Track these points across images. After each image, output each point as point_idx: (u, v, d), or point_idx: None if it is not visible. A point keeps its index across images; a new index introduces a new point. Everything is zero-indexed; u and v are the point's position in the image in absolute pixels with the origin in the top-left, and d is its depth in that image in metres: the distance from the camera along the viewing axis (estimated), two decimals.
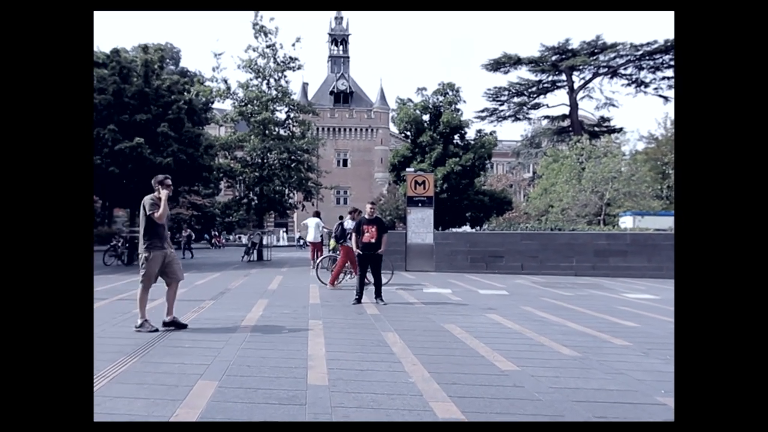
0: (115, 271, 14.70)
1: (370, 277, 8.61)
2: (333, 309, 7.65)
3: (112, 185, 16.16)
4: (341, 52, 65.20)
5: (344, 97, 63.26)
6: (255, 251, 20.01)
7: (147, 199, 5.74)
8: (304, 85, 56.30)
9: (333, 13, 65.27)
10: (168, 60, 50.69)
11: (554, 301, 9.00)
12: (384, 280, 8.92)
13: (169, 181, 5.89)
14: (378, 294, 8.31)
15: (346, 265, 10.28)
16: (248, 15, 20.15)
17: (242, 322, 6.32)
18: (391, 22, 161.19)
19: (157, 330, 5.63)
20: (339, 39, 65.00)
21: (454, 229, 27.90)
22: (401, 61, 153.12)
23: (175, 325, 5.83)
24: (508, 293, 10.12)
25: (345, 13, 65.08)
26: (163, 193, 5.71)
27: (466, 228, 27.31)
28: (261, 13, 19.02)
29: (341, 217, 11.53)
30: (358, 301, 8.16)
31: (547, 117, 48.74)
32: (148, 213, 5.65)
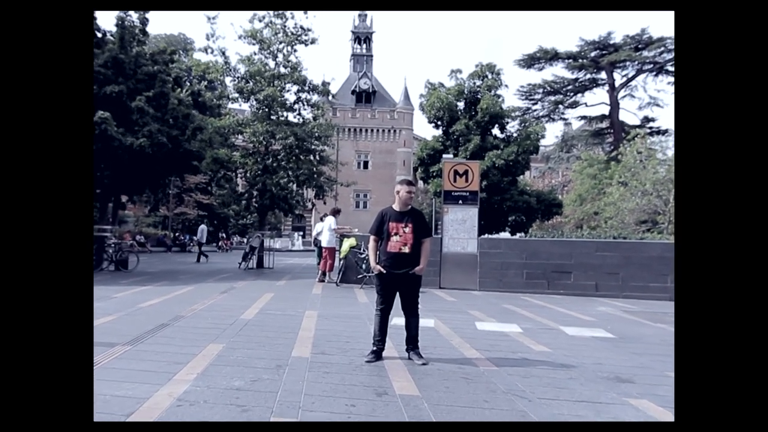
0: None
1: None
2: (330, 373, 4.15)
3: None
4: (364, 51, 62.12)
5: (366, 96, 60.09)
6: (254, 257, 16.68)
7: None
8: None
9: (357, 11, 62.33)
10: (181, 51, 48.30)
11: None
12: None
13: None
14: (413, 344, 4.71)
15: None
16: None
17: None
18: (416, 20, 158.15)
19: None
20: (362, 37, 61.99)
21: (488, 236, 23.92)
22: (427, 60, 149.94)
23: None
24: (612, 335, 6.49)
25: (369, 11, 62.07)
26: None
27: (505, 234, 23.13)
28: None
29: None
30: (377, 355, 4.64)
31: (584, 117, 45.73)
32: None
